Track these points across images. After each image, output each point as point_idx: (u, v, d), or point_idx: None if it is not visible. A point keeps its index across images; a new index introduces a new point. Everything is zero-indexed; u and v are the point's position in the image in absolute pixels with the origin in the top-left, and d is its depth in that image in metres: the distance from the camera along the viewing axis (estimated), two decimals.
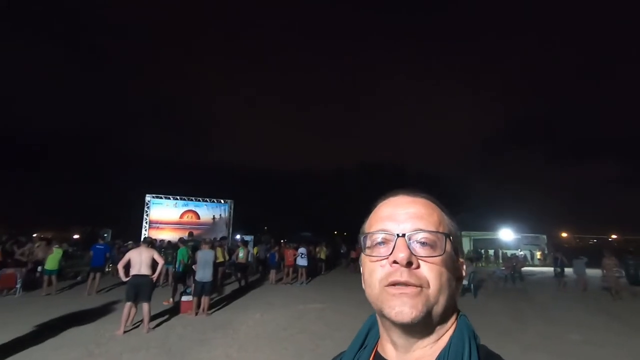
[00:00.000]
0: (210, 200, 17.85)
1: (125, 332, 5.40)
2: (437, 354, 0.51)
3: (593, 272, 12.08)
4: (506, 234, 22.71)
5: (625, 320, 7.26)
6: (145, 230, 16.24)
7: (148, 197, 16.76)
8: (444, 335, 0.53)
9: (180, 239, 10.39)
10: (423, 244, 0.52)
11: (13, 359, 4.20)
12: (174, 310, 7.04)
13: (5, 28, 50.37)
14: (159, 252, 6.74)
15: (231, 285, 10.56)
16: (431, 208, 0.57)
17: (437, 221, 0.56)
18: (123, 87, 77.64)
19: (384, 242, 0.54)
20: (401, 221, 0.54)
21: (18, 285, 8.41)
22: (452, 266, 0.54)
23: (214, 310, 7.18)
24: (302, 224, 28.68)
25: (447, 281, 0.52)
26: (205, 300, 6.84)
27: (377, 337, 0.60)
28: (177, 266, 8.54)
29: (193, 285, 7.13)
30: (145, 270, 5.73)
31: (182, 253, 8.58)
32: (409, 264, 0.50)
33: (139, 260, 5.75)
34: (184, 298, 7.00)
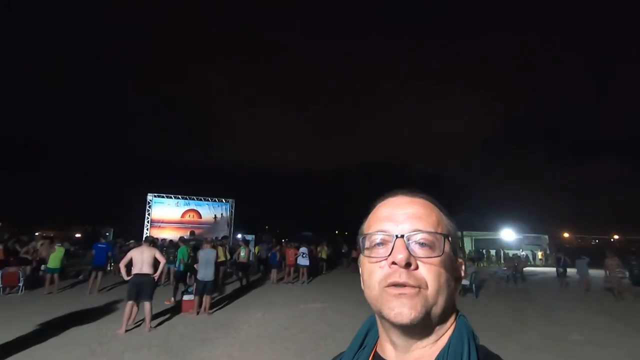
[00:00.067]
0: (211, 200, 17.89)
1: (127, 331, 5.41)
2: (436, 354, 0.51)
3: (595, 273, 12.06)
4: (508, 234, 22.65)
5: (628, 321, 7.24)
6: (147, 229, 16.29)
7: (150, 196, 16.81)
8: (443, 335, 0.53)
9: (181, 238, 10.43)
10: (422, 244, 0.52)
11: (16, 358, 4.22)
12: (176, 309, 7.06)
13: (5, 28, 50.57)
14: (161, 251, 6.75)
15: (232, 284, 10.57)
16: (430, 208, 0.57)
17: (436, 222, 0.55)
18: (123, 87, 78.04)
19: (382, 243, 0.54)
20: (400, 222, 0.54)
21: (20, 284, 8.45)
22: (450, 267, 0.54)
23: (215, 309, 7.20)
24: (302, 224, 28.70)
25: (446, 282, 0.52)
26: (206, 300, 6.86)
27: (376, 338, 0.60)
28: (177, 265, 8.57)
29: (194, 284, 7.15)
30: (147, 269, 5.74)
31: (183, 252, 8.60)
32: (407, 265, 0.50)
33: (141, 259, 5.76)
34: (186, 297, 7.01)
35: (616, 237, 38.88)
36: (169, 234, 15.17)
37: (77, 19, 65.53)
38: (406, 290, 0.49)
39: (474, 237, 25.15)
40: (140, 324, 5.76)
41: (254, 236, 19.18)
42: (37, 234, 16.21)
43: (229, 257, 11.11)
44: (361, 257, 0.58)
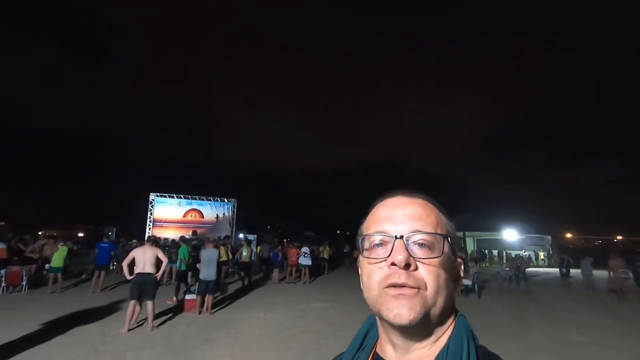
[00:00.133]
0: (213, 199, 17.91)
1: (129, 330, 5.43)
2: (435, 355, 0.51)
3: (599, 273, 12.02)
4: (510, 235, 22.58)
5: (631, 322, 7.20)
6: (149, 228, 16.33)
7: (152, 196, 16.85)
8: (442, 335, 0.53)
9: (181, 238, 10.44)
10: (421, 245, 0.53)
11: (19, 357, 4.25)
12: (178, 308, 7.08)
13: (5, 28, 50.71)
14: (163, 251, 6.78)
15: (234, 284, 10.59)
16: (429, 209, 0.57)
17: (435, 222, 0.56)
18: (123, 87, 77.97)
19: (381, 243, 0.54)
20: (399, 222, 0.54)
21: (24, 283, 8.50)
22: (450, 267, 0.54)
23: (217, 309, 7.21)
24: (303, 224, 28.73)
25: (445, 282, 0.52)
26: (208, 299, 6.87)
27: (376, 338, 0.61)
28: (179, 265, 8.59)
29: (197, 283, 7.17)
30: (149, 268, 5.76)
31: (183, 251, 8.62)
32: (407, 266, 0.50)
33: (143, 258, 5.78)
34: (188, 297, 7.03)
35: (619, 237, 38.64)
36: (171, 234, 15.19)
37: (77, 19, 65.62)
38: (405, 290, 0.49)
39: (476, 238, 25.08)
40: (142, 323, 5.78)
41: (255, 236, 19.21)
42: (40, 233, 16.31)
43: (231, 256, 11.14)
44: (360, 258, 0.58)
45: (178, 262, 8.60)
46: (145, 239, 8.81)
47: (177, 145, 68.74)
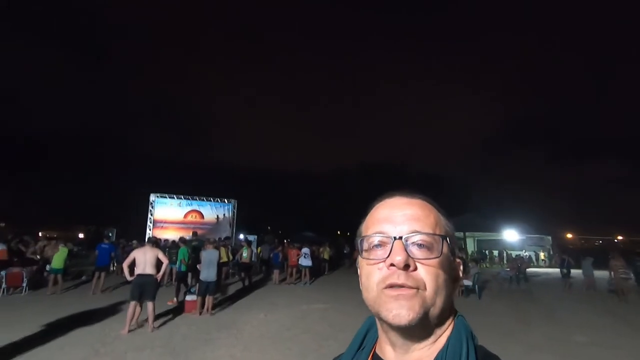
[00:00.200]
0: (214, 200, 17.89)
1: (130, 331, 5.44)
2: (435, 355, 0.51)
3: (600, 274, 12.01)
4: (511, 235, 22.55)
5: (632, 322, 7.20)
6: (150, 229, 16.31)
7: (152, 197, 16.82)
8: (441, 336, 0.53)
9: (181, 239, 10.44)
10: (420, 246, 0.53)
11: (20, 358, 4.25)
12: (178, 309, 7.08)
13: (5, 28, 50.65)
14: (163, 252, 6.78)
15: (235, 285, 10.59)
16: (428, 209, 0.57)
17: (434, 223, 0.56)
18: (123, 87, 77.72)
19: (380, 244, 0.54)
20: (398, 223, 0.54)
21: (24, 284, 8.50)
22: (449, 268, 0.54)
23: (217, 310, 7.21)
24: (303, 224, 28.73)
25: (444, 283, 0.53)
26: (209, 300, 6.87)
27: (375, 338, 0.61)
28: (178, 266, 8.59)
29: (197, 284, 7.17)
30: (149, 269, 5.76)
31: (183, 252, 8.62)
32: (406, 267, 0.50)
33: (144, 259, 5.78)
34: (188, 298, 7.03)
35: (620, 238, 38.61)
36: (172, 235, 15.17)
37: (77, 19, 65.45)
38: (404, 291, 0.50)
39: (476, 238, 25.07)
40: (143, 325, 5.78)
41: (256, 237, 19.19)
42: (40, 234, 16.31)
43: (231, 257, 11.14)
44: (359, 259, 0.58)
45: (178, 263, 8.61)
46: (146, 240, 8.80)
47: (177, 145, 68.77)
